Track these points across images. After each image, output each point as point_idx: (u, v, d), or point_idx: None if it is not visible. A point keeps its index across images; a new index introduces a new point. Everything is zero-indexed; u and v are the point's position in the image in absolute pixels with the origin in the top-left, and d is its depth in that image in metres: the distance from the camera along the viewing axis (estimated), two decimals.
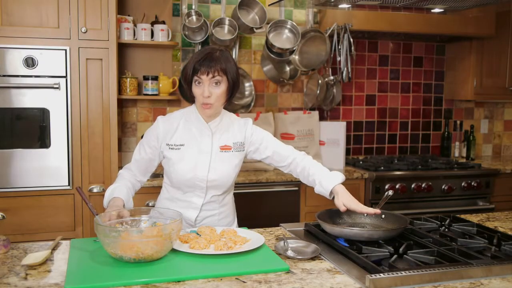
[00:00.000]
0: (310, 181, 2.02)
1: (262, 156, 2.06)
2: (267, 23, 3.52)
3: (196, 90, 1.88)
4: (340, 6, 2.94)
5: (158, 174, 3.29)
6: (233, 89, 1.92)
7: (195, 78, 1.86)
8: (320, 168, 2.01)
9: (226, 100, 1.93)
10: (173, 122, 1.99)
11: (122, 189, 1.97)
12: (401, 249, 1.62)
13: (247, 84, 3.70)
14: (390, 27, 3.59)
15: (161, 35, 3.33)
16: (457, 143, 4.27)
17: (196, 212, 2.02)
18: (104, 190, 2.92)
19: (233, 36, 3.41)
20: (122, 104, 3.50)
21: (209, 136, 1.96)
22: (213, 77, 1.83)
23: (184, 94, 3.55)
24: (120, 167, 3.41)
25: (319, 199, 3.33)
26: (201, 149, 1.96)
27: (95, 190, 2.92)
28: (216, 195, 2.02)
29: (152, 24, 3.36)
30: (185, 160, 1.95)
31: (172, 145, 1.96)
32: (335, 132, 3.62)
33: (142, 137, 3.01)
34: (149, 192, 2.99)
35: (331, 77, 3.73)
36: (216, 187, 2.00)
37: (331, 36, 3.65)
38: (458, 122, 4.32)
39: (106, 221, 1.67)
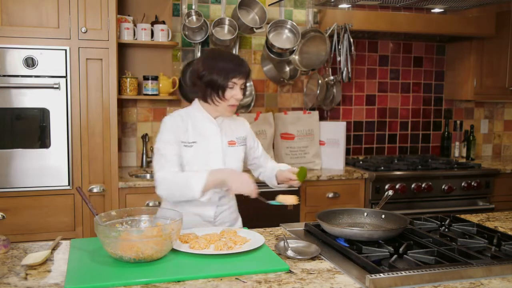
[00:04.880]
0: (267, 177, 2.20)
1: (253, 155, 2.19)
2: (267, 23, 3.52)
3: (228, 93, 1.94)
4: (340, 6, 2.95)
5: None
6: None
7: (231, 82, 1.92)
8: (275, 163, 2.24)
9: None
10: (183, 119, 2.03)
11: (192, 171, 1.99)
12: (401, 249, 1.62)
13: (247, 84, 3.69)
14: (390, 27, 3.59)
15: (161, 35, 3.33)
16: (457, 143, 4.27)
17: (214, 208, 2.06)
18: (104, 190, 2.92)
19: (233, 36, 3.41)
20: (122, 104, 3.50)
21: (218, 132, 2.03)
22: (244, 82, 1.96)
23: (184, 94, 3.55)
24: (120, 167, 3.42)
25: (319, 199, 3.35)
26: (213, 145, 2.01)
27: (95, 190, 2.92)
28: (227, 189, 2.04)
29: (152, 24, 3.36)
30: (199, 157, 1.99)
31: (186, 143, 2.00)
32: (335, 132, 3.62)
33: (143, 137, 3.00)
34: (149, 192, 2.99)
35: (331, 77, 3.73)
36: None
37: (331, 36, 3.65)
38: (458, 122, 4.32)
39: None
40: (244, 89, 1.99)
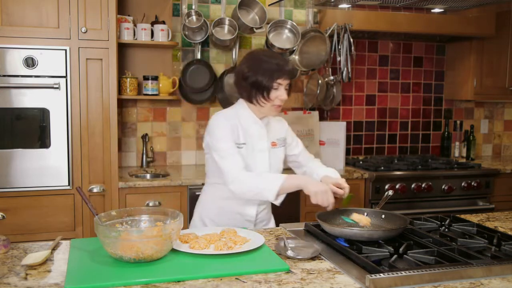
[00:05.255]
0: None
1: (290, 153, 2.20)
2: (267, 23, 3.52)
3: (273, 94, 1.95)
4: (340, 6, 2.95)
5: (158, 174, 3.30)
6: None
7: (276, 83, 1.93)
8: (321, 166, 2.19)
9: None
10: (232, 119, 2.03)
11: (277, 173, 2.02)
12: (401, 249, 1.62)
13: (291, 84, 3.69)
14: (390, 27, 3.59)
15: (161, 35, 3.33)
16: (457, 143, 4.27)
17: (255, 207, 2.09)
18: (104, 190, 2.92)
19: (233, 36, 3.41)
20: (122, 104, 3.50)
21: (264, 134, 2.06)
22: (289, 81, 1.98)
23: (184, 94, 3.56)
24: (120, 167, 3.42)
25: None
26: (259, 147, 2.04)
27: (95, 190, 2.92)
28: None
29: (152, 24, 3.36)
30: (248, 158, 2.01)
31: (238, 144, 2.01)
32: (335, 132, 3.62)
33: (143, 137, 2.99)
34: (149, 192, 2.99)
35: (331, 77, 3.72)
36: None
37: (331, 36, 3.65)
38: (458, 122, 4.32)
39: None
40: (288, 89, 2.00)
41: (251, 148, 2.02)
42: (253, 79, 1.95)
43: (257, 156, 2.03)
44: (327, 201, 1.85)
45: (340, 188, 1.99)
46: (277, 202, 1.93)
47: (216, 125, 2.01)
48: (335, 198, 1.93)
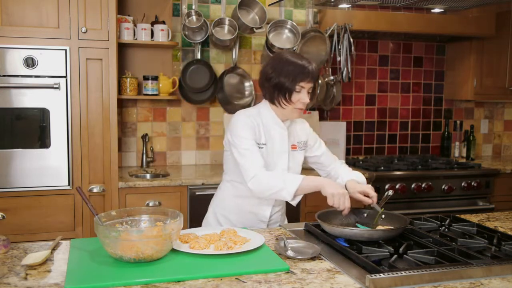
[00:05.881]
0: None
1: (312, 154, 2.18)
2: (267, 23, 3.52)
3: (296, 96, 1.94)
4: (340, 6, 2.95)
5: (158, 174, 3.30)
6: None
7: (299, 86, 1.92)
8: (346, 169, 2.18)
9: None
10: (255, 119, 2.01)
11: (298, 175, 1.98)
12: (401, 249, 1.62)
13: (247, 84, 3.70)
14: (390, 27, 3.59)
15: (161, 35, 3.33)
16: (457, 143, 4.27)
17: (269, 208, 2.09)
18: (104, 190, 2.92)
19: (233, 36, 3.41)
20: (122, 104, 3.50)
21: (285, 136, 2.04)
22: (311, 86, 1.95)
23: (184, 94, 3.56)
24: (120, 167, 3.42)
25: (319, 199, 3.34)
26: (280, 148, 2.03)
27: (95, 190, 2.92)
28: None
29: (152, 24, 3.36)
30: (268, 159, 2.00)
31: (259, 144, 2.00)
32: (335, 132, 3.62)
33: (143, 137, 2.99)
34: (149, 192, 2.99)
35: (331, 77, 3.73)
36: None
37: (331, 36, 3.65)
38: (458, 122, 4.32)
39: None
40: (312, 92, 1.98)
41: (271, 149, 2.01)
42: (276, 81, 1.94)
43: (277, 157, 2.02)
44: (343, 205, 1.83)
45: (368, 197, 1.97)
46: (294, 203, 1.92)
47: (238, 123, 1.99)
48: (364, 206, 1.93)
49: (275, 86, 1.94)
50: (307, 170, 2.32)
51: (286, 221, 2.26)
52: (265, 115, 2.03)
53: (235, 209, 2.10)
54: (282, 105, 1.97)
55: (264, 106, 2.04)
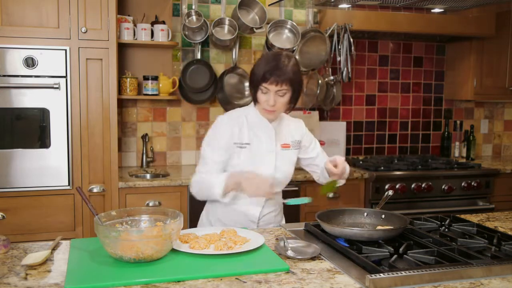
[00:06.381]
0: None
1: (307, 156, 2.16)
2: (267, 23, 3.52)
3: (261, 97, 1.93)
4: (340, 6, 2.95)
5: (158, 174, 3.30)
6: (297, 97, 1.99)
7: (262, 87, 1.90)
8: None
9: (289, 107, 2.00)
10: (237, 120, 2.02)
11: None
12: (401, 249, 1.62)
13: (247, 84, 3.69)
14: (390, 27, 3.59)
15: (161, 35, 3.33)
16: (457, 143, 4.27)
17: (259, 208, 2.08)
18: (104, 190, 2.92)
19: (233, 36, 3.41)
20: (122, 104, 3.50)
21: (272, 135, 2.03)
22: (280, 89, 1.89)
23: (184, 94, 3.56)
24: (120, 167, 3.42)
25: (319, 199, 3.34)
26: (266, 148, 2.02)
27: (95, 190, 2.92)
28: (276, 192, 2.06)
29: (152, 24, 3.36)
30: (252, 158, 2.00)
31: (239, 144, 2.00)
32: (335, 132, 3.63)
33: (143, 137, 3.01)
34: (149, 192, 2.99)
35: (331, 77, 3.72)
36: (279, 184, 2.06)
37: (331, 36, 3.65)
38: (458, 122, 4.32)
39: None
40: (285, 96, 1.91)
41: (257, 149, 2.01)
42: (250, 79, 1.98)
43: (264, 156, 2.01)
44: (263, 192, 1.83)
45: (336, 167, 1.96)
46: (226, 200, 1.93)
47: (216, 124, 2.03)
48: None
49: (249, 84, 1.99)
50: (300, 170, 2.33)
51: (283, 221, 2.25)
52: (251, 115, 2.03)
53: (225, 209, 2.09)
54: (255, 104, 1.99)
55: (252, 105, 2.05)
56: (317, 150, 2.18)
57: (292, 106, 2.01)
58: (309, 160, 2.18)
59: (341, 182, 2.08)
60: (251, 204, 2.06)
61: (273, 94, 1.90)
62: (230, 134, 1.99)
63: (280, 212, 2.22)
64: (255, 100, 1.97)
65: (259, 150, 2.01)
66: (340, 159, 1.98)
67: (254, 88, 1.94)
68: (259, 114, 2.01)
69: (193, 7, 3.43)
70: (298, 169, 2.26)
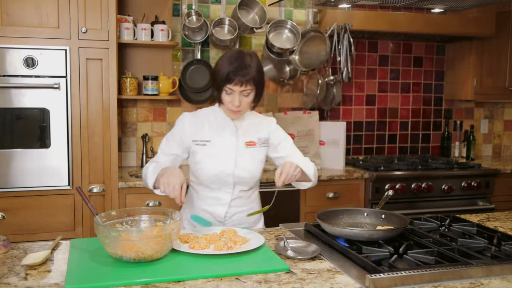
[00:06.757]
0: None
1: (277, 155, 2.12)
2: (267, 23, 3.52)
3: (225, 97, 1.91)
4: (340, 6, 2.94)
5: None
6: (261, 94, 1.99)
7: (226, 88, 1.89)
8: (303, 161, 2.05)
9: (253, 105, 2.00)
10: (198, 118, 2.04)
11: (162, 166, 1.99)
12: (401, 249, 1.62)
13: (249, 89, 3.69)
14: (390, 27, 3.59)
15: (161, 35, 3.33)
16: (457, 143, 4.27)
17: (225, 208, 2.05)
18: (104, 190, 2.93)
19: (233, 36, 3.41)
20: (122, 104, 3.50)
21: (233, 132, 2.02)
22: (245, 89, 1.88)
23: (184, 94, 3.56)
24: (120, 167, 3.42)
25: (319, 199, 3.35)
26: (227, 145, 2.01)
27: (95, 190, 2.92)
28: (243, 191, 2.06)
29: (152, 24, 3.36)
30: (211, 156, 1.99)
31: (198, 141, 2.01)
32: (335, 132, 3.62)
33: (143, 137, 3.02)
34: (149, 192, 2.98)
35: (331, 77, 3.73)
36: (243, 183, 2.04)
37: (331, 36, 3.65)
38: (458, 122, 4.32)
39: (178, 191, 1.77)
40: (249, 95, 1.91)
41: (219, 146, 2.00)
42: (213, 79, 1.97)
43: (223, 154, 2.00)
44: (172, 193, 1.78)
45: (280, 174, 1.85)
46: (158, 193, 1.93)
47: (176, 122, 2.06)
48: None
49: (212, 85, 2.01)
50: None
51: (261, 222, 2.19)
52: (214, 112, 2.04)
53: (196, 209, 2.09)
54: (220, 104, 1.99)
55: (216, 105, 2.06)
56: (287, 151, 2.09)
57: (256, 104, 2.00)
58: (280, 160, 2.11)
59: (307, 185, 2.05)
60: (217, 205, 2.04)
61: (238, 94, 1.88)
62: (188, 130, 2.01)
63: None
64: (219, 101, 1.96)
65: (219, 147, 2.00)
66: (288, 169, 1.85)
67: (218, 89, 1.92)
68: (223, 112, 2.01)
69: (193, 7, 3.43)
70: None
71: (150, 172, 1.93)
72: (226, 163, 1.99)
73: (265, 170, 3.37)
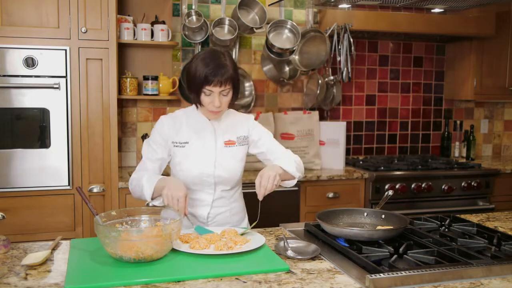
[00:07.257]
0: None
1: (258, 150, 2.11)
2: (267, 23, 3.52)
3: (205, 99, 1.90)
4: (340, 6, 2.94)
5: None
6: (238, 92, 1.98)
7: (205, 89, 1.87)
8: (283, 157, 2.03)
9: (232, 103, 1.99)
10: (176, 120, 2.03)
11: (153, 175, 1.97)
12: (401, 249, 1.62)
13: (247, 84, 3.70)
14: (390, 27, 3.59)
15: (161, 35, 3.33)
16: (457, 143, 4.27)
17: (207, 209, 2.04)
18: (104, 190, 2.92)
19: (233, 36, 3.41)
20: (122, 104, 3.50)
21: (212, 132, 2.01)
22: (224, 88, 1.87)
23: (184, 94, 3.56)
24: (120, 167, 3.42)
25: (319, 199, 3.35)
26: (205, 145, 2.00)
27: (95, 190, 2.92)
28: (225, 191, 2.05)
29: (152, 24, 3.36)
30: (190, 157, 1.99)
31: (177, 143, 2.00)
32: (335, 132, 3.62)
33: (143, 137, 3.00)
34: None
35: (331, 77, 3.73)
36: (224, 182, 2.03)
37: (331, 36, 3.65)
38: (458, 122, 4.32)
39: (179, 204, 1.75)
40: (228, 94, 1.90)
41: (198, 147, 1.99)
42: (188, 81, 1.94)
43: (202, 155, 1.99)
44: (176, 206, 1.77)
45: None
46: (157, 203, 1.91)
47: (155, 126, 2.05)
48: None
49: (188, 88, 1.97)
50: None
51: (245, 221, 2.17)
52: (191, 113, 2.03)
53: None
54: (197, 106, 1.97)
55: (193, 106, 2.04)
56: (267, 146, 2.08)
57: (233, 102, 1.99)
58: (262, 155, 2.11)
59: (292, 182, 2.01)
60: (199, 206, 2.04)
61: (218, 95, 1.87)
62: (167, 133, 2.00)
63: (240, 212, 2.14)
64: (197, 103, 1.94)
65: (198, 148, 1.99)
66: (265, 182, 1.83)
67: (196, 91, 1.89)
68: (200, 112, 2.00)
69: (193, 7, 3.43)
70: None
71: (146, 183, 1.89)
72: (205, 163, 1.98)
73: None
